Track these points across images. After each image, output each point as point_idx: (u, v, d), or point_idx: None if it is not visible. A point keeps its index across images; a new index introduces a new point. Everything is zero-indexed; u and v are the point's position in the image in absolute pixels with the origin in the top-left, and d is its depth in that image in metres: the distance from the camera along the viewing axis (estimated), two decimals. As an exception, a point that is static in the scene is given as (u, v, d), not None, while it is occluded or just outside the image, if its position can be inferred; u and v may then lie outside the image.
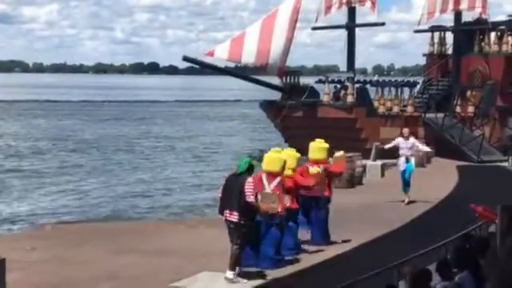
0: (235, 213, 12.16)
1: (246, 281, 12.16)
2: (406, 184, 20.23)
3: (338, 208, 16.34)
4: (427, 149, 21.33)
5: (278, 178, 13.19)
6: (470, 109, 35.59)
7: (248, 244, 12.92)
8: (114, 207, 25.15)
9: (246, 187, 12.11)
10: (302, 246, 14.64)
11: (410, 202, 19.96)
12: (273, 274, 12.74)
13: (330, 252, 14.46)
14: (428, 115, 34.33)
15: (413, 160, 20.29)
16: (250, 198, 12.06)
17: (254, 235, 12.62)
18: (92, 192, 28.29)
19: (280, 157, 13.39)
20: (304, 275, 12.76)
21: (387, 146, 21.09)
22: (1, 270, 11.22)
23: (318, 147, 15.49)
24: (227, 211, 12.25)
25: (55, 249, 14.77)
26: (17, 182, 30.39)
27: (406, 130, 20.86)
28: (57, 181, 31.06)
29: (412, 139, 20.46)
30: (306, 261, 13.72)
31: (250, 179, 12.23)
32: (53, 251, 14.52)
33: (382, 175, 26.15)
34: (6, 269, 11.30)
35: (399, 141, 20.28)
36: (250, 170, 12.43)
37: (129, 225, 20.07)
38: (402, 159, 20.20)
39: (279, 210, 13.06)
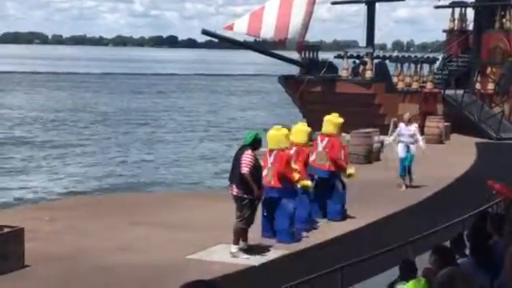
0: (234, 186, 12.22)
1: (247, 256, 12.21)
2: (408, 171, 19.20)
3: (355, 184, 16.34)
4: (421, 143, 19.94)
5: (274, 153, 13.24)
6: (490, 85, 35.30)
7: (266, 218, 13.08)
8: (132, 180, 25.33)
9: (242, 158, 12.12)
10: (317, 220, 14.71)
11: (407, 187, 19.02)
12: (282, 248, 12.80)
13: (346, 227, 14.49)
14: (447, 92, 34.09)
15: (413, 147, 19.11)
16: (244, 170, 12.04)
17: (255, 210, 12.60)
18: (110, 164, 28.47)
19: (276, 134, 13.39)
20: (318, 250, 12.81)
21: (391, 139, 19.91)
22: (19, 239, 11.40)
23: (330, 121, 15.45)
24: (231, 185, 12.33)
25: (73, 220, 14.91)
26: (36, 154, 30.63)
27: (406, 115, 19.79)
28: (76, 153, 31.28)
29: (413, 126, 19.30)
30: (321, 236, 13.77)
31: (249, 151, 12.20)
32: (70, 222, 14.66)
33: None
34: (24, 238, 11.49)
35: (400, 127, 19.33)
36: (254, 143, 12.40)
37: (146, 197, 20.19)
38: (402, 146, 19.08)
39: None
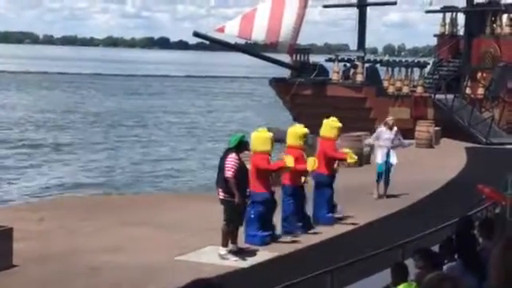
0: (220, 189, 12.23)
1: (236, 258, 12.20)
2: (386, 180, 18.23)
3: (345, 187, 16.36)
4: (406, 143, 19.24)
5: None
6: (480, 90, 35.44)
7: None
8: (123, 181, 25.30)
9: (226, 162, 12.09)
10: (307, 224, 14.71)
11: (381, 196, 18.08)
12: (272, 250, 12.79)
13: (336, 230, 14.50)
14: (438, 96, 34.18)
15: (395, 154, 18.43)
16: (227, 174, 12.02)
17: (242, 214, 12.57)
18: (101, 165, 28.41)
19: (263, 136, 13.40)
20: (308, 253, 12.81)
21: (368, 142, 19.17)
22: (8, 238, 11.36)
23: (329, 125, 15.51)
24: (217, 188, 12.33)
25: (63, 220, 14.87)
26: (27, 154, 30.52)
27: (390, 119, 18.98)
28: (67, 154, 31.19)
29: (394, 130, 18.45)
30: (311, 238, 13.77)
31: (233, 155, 12.16)
32: (61, 222, 14.62)
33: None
34: (13, 238, 11.45)
35: (381, 130, 18.49)
36: (239, 146, 12.35)
37: (137, 198, 20.16)
38: (384, 151, 18.18)
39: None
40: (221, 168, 12.24)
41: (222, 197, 12.24)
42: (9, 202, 21.07)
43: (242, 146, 12.42)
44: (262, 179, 13.20)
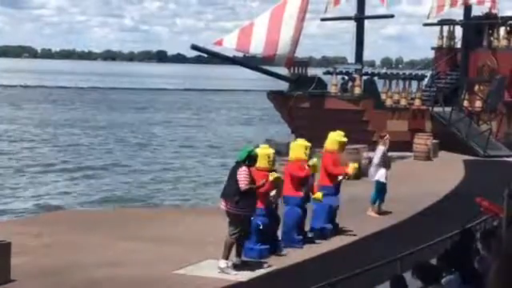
0: (223, 201, 12.24)
1: (235, 272, 12.16)
2: (383, 198, 17.94)
3: (344, 199, 16.36)
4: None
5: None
6: (478, 103, 35.52)
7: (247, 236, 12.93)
8: (121, 195, 25.23)
9: (239, 175, 12.10)
10: (308, 235, 14.70)
11: (381, 213, 17.67)
12: (272, 263, 12.79)
13: (335, 243, 14.50)
14: (435, 109, 34.25)
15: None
16: (242, 186, 12.02)
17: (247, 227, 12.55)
18: (99, 180, 28.36)
19: (265, 152, 13.38)
20: (307, 266, 12.80)
21: (375, 162, 18.41)
22: (5, 253, 11.34)
23: (332, 139, 15.55)
24: (224, 200, 12.33)
25: (61, 234, 14.85)
26: (27, 169, 30.45)
27: (388, 136, 18.67)
28: (65, 168, 31.12)
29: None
30: (310, 252, 13.77)
31: (243, 167, 12.17)
32: (59, 236, 14.60)
33: (388, 167, 26.01)
34: (10, 252, 11.43)
35: (383, 150, 18.17)
36: (248, 159, 12.35)
37: (135, 212, 20.11)
38: (385, 170, 18.02)
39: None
40: (229, 181, 12.23)
41: (228, 208, 12.19)
42: (5, 216, 21.03)
43: (251, 158, 12.40)
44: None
